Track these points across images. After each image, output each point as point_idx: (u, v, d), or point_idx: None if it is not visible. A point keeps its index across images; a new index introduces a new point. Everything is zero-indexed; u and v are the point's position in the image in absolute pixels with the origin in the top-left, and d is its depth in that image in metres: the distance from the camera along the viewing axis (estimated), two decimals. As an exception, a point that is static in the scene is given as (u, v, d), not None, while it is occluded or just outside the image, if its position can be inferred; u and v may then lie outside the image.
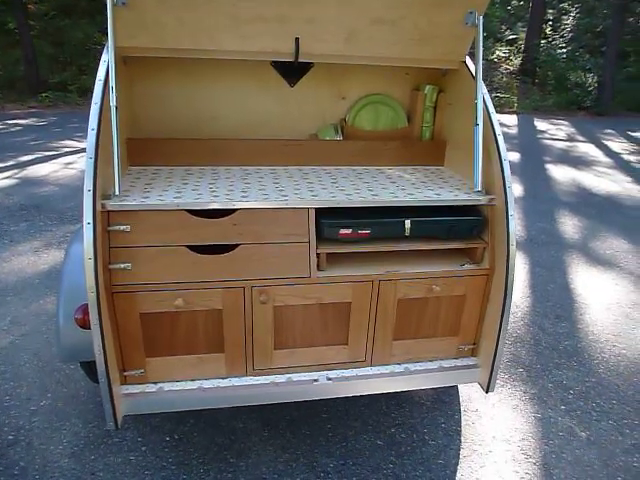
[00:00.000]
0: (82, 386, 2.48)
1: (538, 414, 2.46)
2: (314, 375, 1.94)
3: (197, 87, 2.23)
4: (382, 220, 1.83)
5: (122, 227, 1.62)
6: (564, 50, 15.34)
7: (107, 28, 1.73)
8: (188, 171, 2.11)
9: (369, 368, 2.00)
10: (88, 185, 1.50)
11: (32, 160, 6.87)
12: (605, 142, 10.02)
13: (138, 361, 1.81)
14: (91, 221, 1.49)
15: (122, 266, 1.63)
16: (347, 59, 2.04)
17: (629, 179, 7.28)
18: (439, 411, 2.44)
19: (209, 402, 1.88)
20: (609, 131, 11.26)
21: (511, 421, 2.41)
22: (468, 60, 2.11)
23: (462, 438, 2.29)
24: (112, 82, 1.64)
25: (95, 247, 1.49)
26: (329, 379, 1.93)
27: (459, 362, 2.08)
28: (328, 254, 1.83)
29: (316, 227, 1.78)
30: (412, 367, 2.02)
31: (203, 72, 2.21)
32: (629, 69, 14.67)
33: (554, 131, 11.13)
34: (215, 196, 1.76)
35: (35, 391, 2.46)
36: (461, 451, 2.21)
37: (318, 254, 1.80)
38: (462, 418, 2.42)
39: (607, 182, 7.03)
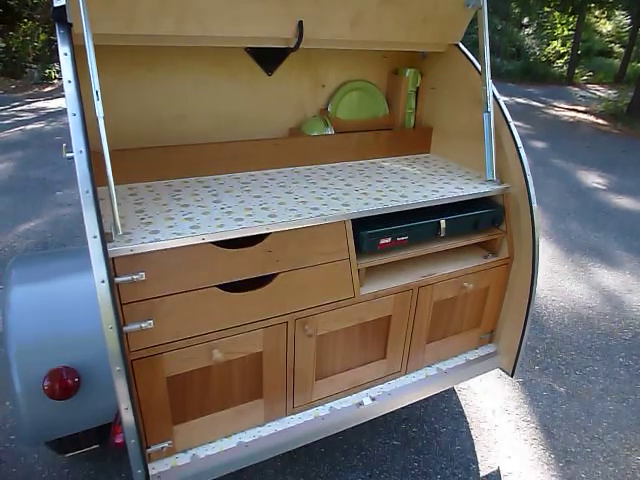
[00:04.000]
0: (35, 460, 1.99)
1: (520, 379, 2.59)
2: (356, 398, 1.77)
3: (155, 80, 1.81)
4: (419, 223, 1.69)
5: (135, 277, 1.24)
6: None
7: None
8: (170, 186, 1.73)
9: (405, 377, 1.90)
10: (92, 230, 1.11)
11: None
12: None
13: (163, 432, 1.46)
14: (106, 278, 1.11)
15: (143, 326, 1.26)
16: (351, 44, 1.81)
17: None
18: (436, 396, 2.43)
19: (253, 457, 1.59)
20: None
21: (501, 391, 2.50)
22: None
23: (468, 419, 2.31)
24: (94, 84, 1.21)
25: (116, 310, 1.13)
26: (373, 399, 1.77)
27: (480, 352, 2.07)
28: (366, 268, 1.65)
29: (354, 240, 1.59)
30: (443, 367, 1.96)
31: (160, 61, 1.79)
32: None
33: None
34: (237, 219, 1.45)
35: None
36: (472, 432, 2.24)
37: (358, 270, 1.61)
38: (460, 398, 2.44)
39: None
